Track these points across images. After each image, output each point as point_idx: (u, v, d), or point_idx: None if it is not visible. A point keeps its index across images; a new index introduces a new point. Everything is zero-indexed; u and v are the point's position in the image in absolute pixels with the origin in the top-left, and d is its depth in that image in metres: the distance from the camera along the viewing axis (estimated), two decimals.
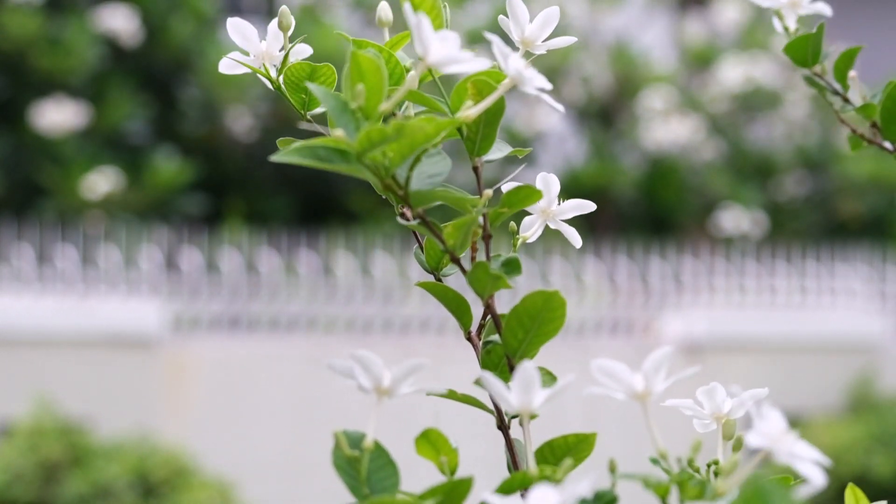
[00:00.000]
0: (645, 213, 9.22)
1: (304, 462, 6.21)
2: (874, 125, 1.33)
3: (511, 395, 0.87)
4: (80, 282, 6.70)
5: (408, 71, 1.00)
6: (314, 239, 7.25)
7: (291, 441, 6.28)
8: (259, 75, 1.05)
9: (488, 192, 0.96)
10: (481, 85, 0.95)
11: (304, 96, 0.98)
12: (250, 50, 1.04)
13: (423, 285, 1.00)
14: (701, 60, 9.65)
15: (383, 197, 0.94)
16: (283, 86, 1.01)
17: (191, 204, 8.03)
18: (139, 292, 6.73)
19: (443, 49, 0.89)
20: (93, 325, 6.23)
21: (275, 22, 1.04)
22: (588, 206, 1.06)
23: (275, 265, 6.99)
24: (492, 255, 1.00)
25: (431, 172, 0.93)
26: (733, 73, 9.32)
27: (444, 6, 1.01)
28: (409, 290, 6.91)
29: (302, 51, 1.04)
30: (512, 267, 0.98)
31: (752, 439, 0.83)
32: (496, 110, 0.97)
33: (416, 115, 0.99)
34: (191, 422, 6.31)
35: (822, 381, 7.22)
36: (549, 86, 0.94)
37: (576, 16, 9.40)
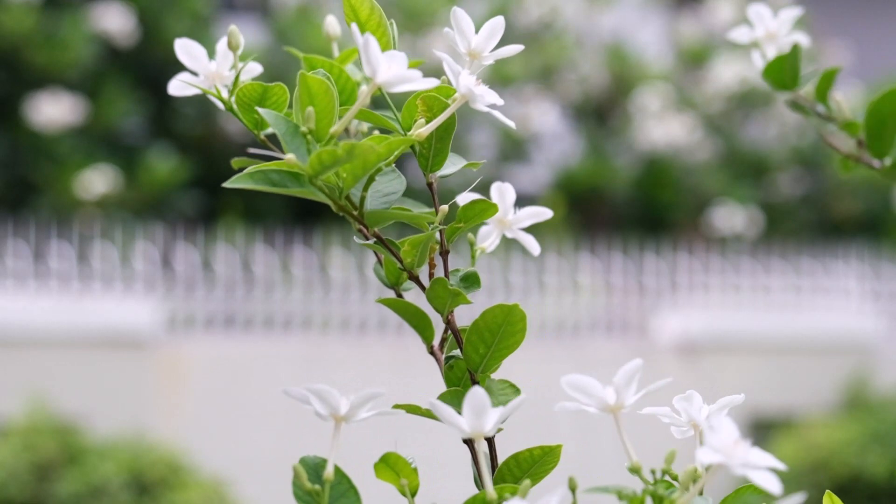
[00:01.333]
0: (640, 211, 9.22)
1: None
2: (860, 142, 1.33)
3: (462, 421, 0.87)
4: (76, 280, 6.70)
5: (358, 85, 1.00)
6: (309, 237, 7.25)
7: (286, 440, 6.29)
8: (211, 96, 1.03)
9: (444, 209, 0.96)
10: (431, 101, 0.96)
11: (256, 116, 0.98)
12: (199, 70, 1.02)
13: (384, 301, 1.00)
14: (696, 59, 9.65)
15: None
16: (234, 106, 1.00)
17: (186, 202, 8.04)
18: (134, 291, 6.73)
19: (391, 69, 0.89)
20: (88, 324, 6.24)
21: (223, 41, 1.03)
22: (544, 214, 1.04)
23: (270, 263, 6.99)
24: (451, 269, 0.99)
25: (386, 191, 0.93)
26: (728, 73, 9.32)
27: (392, 25, 1.00)
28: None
29: (252, 69, 1.03)
30: (471, 281, 0.98)
31: (703, 455, 0.83)
32: (448, 126, 0.97)
33: (368, 131, 0.98)
34: (186, 421, 6.32)
35: (817, 380, 7.22)
36: (500, 101, 0.95)
37: (571, 14, 9.40)
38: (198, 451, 5.92)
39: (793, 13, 1.32)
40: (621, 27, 9.67)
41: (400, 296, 1.02)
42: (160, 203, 7.88)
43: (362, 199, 0.93)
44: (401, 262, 0.96)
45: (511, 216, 1.03)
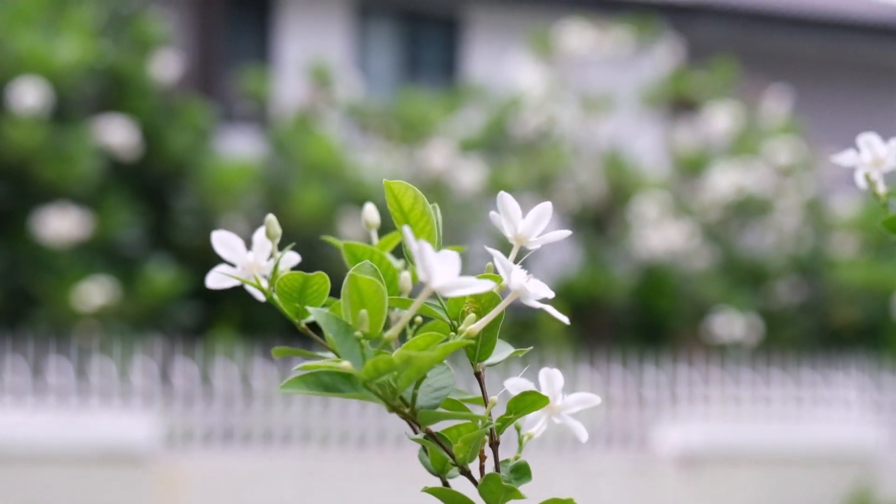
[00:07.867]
0: (639, 320, 9.21)
1: None
2: None
3: None
4: (74, 395, 6.66)
5: (399, 272, 0.99)
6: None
7: None
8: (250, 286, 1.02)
9: (494, 399, 0.96)
10: (481, 294, 0.95)
11: (297, 305, 0.97)
12: (237, 262, 1.01)
13: (430, 490, 0.99)
14: (692, 168, 9.69)
15: None
16: (274, 295, 0.99)
17: (185, 313, 8.02)
18: (132, 405, 6.69)
19: (445, 275, 0.89)
20: (85, 441, 6.19)
21: (261, 231, 1.02)
22: (593, 400, 1.05)
23: (269, 376, 6.96)
24: (501, 460, 0.99)
25: (437, 386, 0.93)
26: (725, 181, 9.35)
27: (436, 209, 0.99)
28: None
29: (290, 259, 1.02)
30: (521, 473, 0.98)
31: None
32: (496, 317, 0.97)
33: (415, 328, 0.97)
34: None
35: (819, 491, 7.17)
36: (551, 294, 0.95)
37: (568, 123, 9.46)
38: None
39: None
40: (618, 136, 9.71)
41: (446, 484, 1.01)
42: (159, 314, 7.86)
43: (414, 397, 0.92)
44: (453, 458, 0.96)
45: (559, 402, 1.03)
